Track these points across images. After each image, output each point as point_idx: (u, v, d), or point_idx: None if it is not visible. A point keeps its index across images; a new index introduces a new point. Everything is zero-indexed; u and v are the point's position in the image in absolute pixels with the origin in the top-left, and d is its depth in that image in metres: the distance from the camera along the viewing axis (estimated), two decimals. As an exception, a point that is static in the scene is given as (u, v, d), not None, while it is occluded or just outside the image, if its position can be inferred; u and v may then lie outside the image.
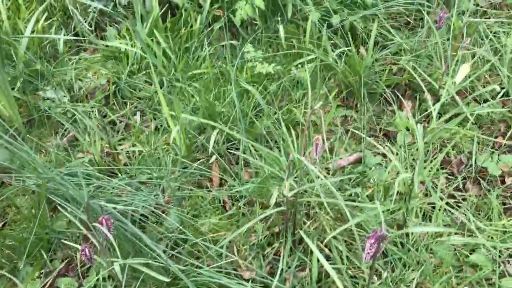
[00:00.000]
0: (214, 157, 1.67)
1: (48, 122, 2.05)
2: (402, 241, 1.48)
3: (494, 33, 2.15)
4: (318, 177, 1.63)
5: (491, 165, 1.72)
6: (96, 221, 1.25)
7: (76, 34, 2.51)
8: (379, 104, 2.00)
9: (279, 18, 2.30)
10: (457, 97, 1.65)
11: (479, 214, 1.59)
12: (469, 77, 1.86)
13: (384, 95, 1.98)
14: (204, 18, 2.39)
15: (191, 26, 2.34)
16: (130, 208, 1.50)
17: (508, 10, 2.34)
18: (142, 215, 1.59)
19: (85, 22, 2.53)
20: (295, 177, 1.48)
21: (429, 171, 1.73)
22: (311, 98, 1.99)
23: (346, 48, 2.08)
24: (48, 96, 2.17)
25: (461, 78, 1.49)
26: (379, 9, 2.19)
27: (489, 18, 2.27)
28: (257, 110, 1.95)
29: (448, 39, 1.95)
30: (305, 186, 1.33)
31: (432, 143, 1.78)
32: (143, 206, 1.56)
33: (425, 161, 1.75)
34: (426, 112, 1.76)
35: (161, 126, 1.97)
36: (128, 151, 1.83)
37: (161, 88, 2.14)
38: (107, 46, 2.27)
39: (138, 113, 2.08)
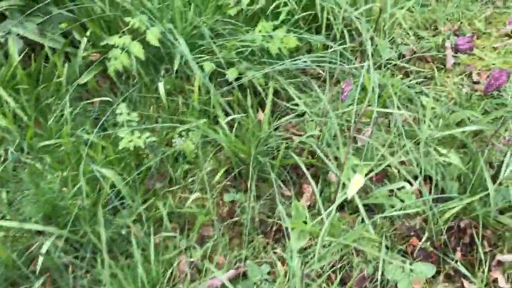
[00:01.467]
0: (38, 283, 1.25)
1: None
2: None
3: (415, 92, 1.83)
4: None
5: (402, 280, 1.39)
6: None
7: None
8: (275, 189, 1.63)
9: (163, 70, 1.89)
10: (357, 199, 1.30)
11: None
12: (383, 158, 1.52)
13: (280, 176, 1.61)
14: (78, 65, 1.95)
15: (59, 76, 1.90)
16: None
17: (433, 63, 2.03)
18: None
19: None
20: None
21: (325, 290, 1.37)
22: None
23: (237, 116, 1.69)
24: None
25: (354, 192, 1.13)
26: (284, 64, 1.80)
27: (408, 75, 1.94)
28: (119, 201, 1.54)
29: (356, 111, 1.60)
30: None
31: (331, 251, 1.43)
32: None
33: (319, 276, 1.40)
34: (329, 209, 1.39)
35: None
36: None
37: (4, 162, 1.69)
38: None
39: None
